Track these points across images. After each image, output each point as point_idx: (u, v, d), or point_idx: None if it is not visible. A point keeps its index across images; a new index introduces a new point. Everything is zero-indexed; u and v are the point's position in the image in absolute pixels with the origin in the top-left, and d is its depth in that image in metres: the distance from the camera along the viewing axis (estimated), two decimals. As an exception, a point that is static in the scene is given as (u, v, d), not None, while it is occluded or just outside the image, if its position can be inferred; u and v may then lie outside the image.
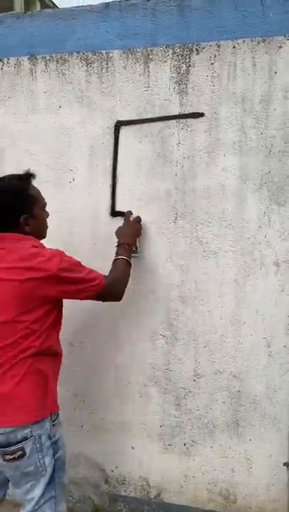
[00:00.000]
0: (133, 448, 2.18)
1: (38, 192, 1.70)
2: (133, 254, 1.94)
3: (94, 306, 2.05)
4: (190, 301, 2.02)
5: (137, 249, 2.00)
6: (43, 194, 2.06)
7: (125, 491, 2.22)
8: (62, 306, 1.69)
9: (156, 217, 2.02)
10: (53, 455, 1.58)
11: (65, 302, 1.69)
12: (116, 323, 2.14)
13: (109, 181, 2.06)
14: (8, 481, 1.64)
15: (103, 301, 1.73)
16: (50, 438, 1.57)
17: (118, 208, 2.06)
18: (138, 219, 2.01)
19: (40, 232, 1.71)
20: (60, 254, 1.58)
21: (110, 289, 1.69)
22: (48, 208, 1.74)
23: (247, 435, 2.03)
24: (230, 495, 2.08)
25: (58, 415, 1.65)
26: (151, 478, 2.18)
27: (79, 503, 2.30)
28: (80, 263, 1.64)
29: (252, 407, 2.01)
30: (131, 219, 2.00)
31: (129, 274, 1.82)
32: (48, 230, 1.76)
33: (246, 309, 1.97)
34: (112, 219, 2.07)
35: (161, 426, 2.13)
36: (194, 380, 2.06)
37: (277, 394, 1.97)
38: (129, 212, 2.01)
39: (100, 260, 2.07)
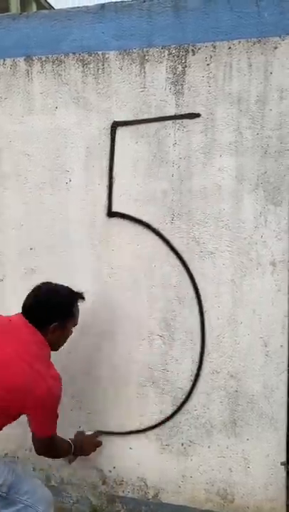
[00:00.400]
0: (131, 448, 2.18)
1: (78, 311, 1.86)
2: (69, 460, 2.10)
3: (92, 306, 2.06)
4: (187, 301, 2.03)
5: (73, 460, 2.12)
6: (40, 195, 2.07)
7: (123, 491, 2.22)
8: None
9: (153, 218, 2.02)
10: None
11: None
12: (112, 324, 2.14)
13: (105, 182, 2.06)
14: None
15: (35, 447, 1.80)
16: None
17: (115, 208, 2.06)
18: (99, 444, 2.17)
19: (58, 345, 1.83)
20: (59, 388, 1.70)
21: (45, 445, 1.79)
22: (46, 211, 1.75)
23: (244, 435, 2.03)
24: (228, 494, 2.09)
25: None
26: (149, 479, 2.18)
27: (77, 503, 2.30)
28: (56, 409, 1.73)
29: (249, 406, 2.01)
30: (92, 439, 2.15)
31: (58, 456, 1.96)
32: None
33: (243, 309, 1.98)
34: (109, 219, 2.07)
35: (158, 426, 2.13)
36: (191, 380, 2.06)
37: (274, 393, 1.97)
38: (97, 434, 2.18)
39: (96, 261, 2.09)
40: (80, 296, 1.85)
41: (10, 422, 1.72)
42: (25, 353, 1.63)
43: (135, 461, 2.18)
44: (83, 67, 2.03)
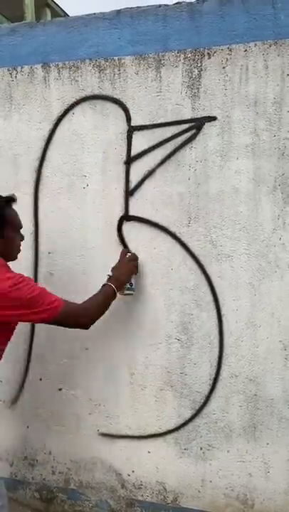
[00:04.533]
0: (149, 452, 2.18)
1: (15, 215, 1.78)
2: (128, 292, 1.98)
3: (109, 309, 2.06)
4: (205, 304, 2.02)
5: (132, 285, 2.00)
6: (57, 200, 2.08)
7: (142, 495, 2.22)
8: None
9: (170, 221, 2.03)
10: None
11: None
12: (130, 327, 2.14)
13: (122, 186, 2.07)
14: None
15: (63, 326, 1.73)
16: None
17: (131, 212, 2.07)
18: (133, 257, 2.03)
19: (9, 252, 1.77)
20: (17, 278, 1.61)
21: (68, 316, 1.70)
22: (63, 216, 1.75)
23: (264, 439, 2.01)
24: (248, 500, 2.07)
25: None
26: (168, 483, 2.17)
27: (95, 507, 2.30)
28: (39, 290, 1.65)
29: (269, 410, 2.00)
30: (127, 256, 2.02)
31: (108, 306, 1.84)
32: (18, 253, 1.83)
33: (261, 312, 1.96)
34: (126, 223, 2.08)
35: (177, 430, 2.12)
36: (210, 384, 2.05)
37: (294, 397, 1.95)
38: (125, 251, 2.03)
39: (113, 263, 2.09)
40: (8, 199, 1.75)
41: (8, 338, 1.73)
42: None
43: (154, 465, 2.18)
44: (99, 72, 2.05)
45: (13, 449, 2.34)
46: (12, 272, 1.69)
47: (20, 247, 1.84)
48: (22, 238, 1.84)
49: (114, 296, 1.87)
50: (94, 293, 1.84)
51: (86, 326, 1.79)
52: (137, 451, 2.20)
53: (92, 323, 1.80)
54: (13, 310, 1.60)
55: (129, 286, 1.98)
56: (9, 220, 1.74)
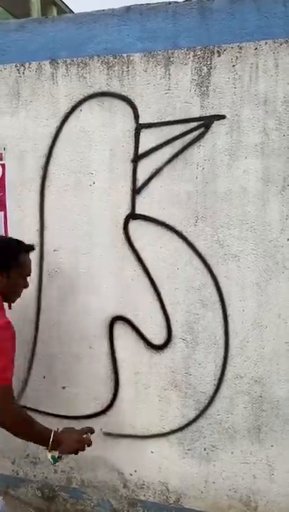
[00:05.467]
0: (152, 452, 2.16)
1: (27, 261, 1.83)
2: (51, 460, 1.67)
3: (115, 306, 2.05)
4: (210, 304, 2.01)
5: (60, 459, 1.69)
6: (64, 198, 2.07)
7: (144, 495, 2.21)
8: None
9: (177, 220, 2.01)
10: None
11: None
12: (135, 326, 2.13)
13: (129, 184, 2.06)
14: None
15: None
16: None
17: (138, 210, 2.06)
18: (88, 441, 1.74)
19: (9, 294, 1.78)
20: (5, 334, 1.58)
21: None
22: (70, 213, 1.74)
23: (268, 441, 2.00)
24: (252, 501, 2.05)
25: None
26: (171, 483, 2.16)
27: (97, 506, 2.29)
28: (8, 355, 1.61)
29: (274, 412, 1.98)
30: (84, 436, 1.75)
31: (31, 440, 1.67)
32: (18, 297, 1.84)
33: (268, 313, 1.95)
34: (132, 221, 2.07)
35: (180, 430, 2.11)
36: (215, 385, 2.04)
37: (299, 399, 1.94)
38: (86, 430, 1.79)
39: (119, 263, 2.08)
40: (27, 246, 1.83)
41: None
42: None
43: (157, 465, 2.17)
44: (108, 69, 2.03)
45: (15, 446, 2.33)
46: (4, 318, 1.64)
47: (21, 294, 1.86)
48: (26, 286, 1.86)
49: (42, 444, 1.66)
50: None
51: (2, 425, 1.58)
52: (139, 450, 2.18)
53: (5, 427, 1.58)
54: None
55: (57, 458, 1.68)
56: (21, 265, 1.79)
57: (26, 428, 1.63)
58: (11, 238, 1.88)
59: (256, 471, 2.03)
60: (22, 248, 1.82)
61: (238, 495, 2.07)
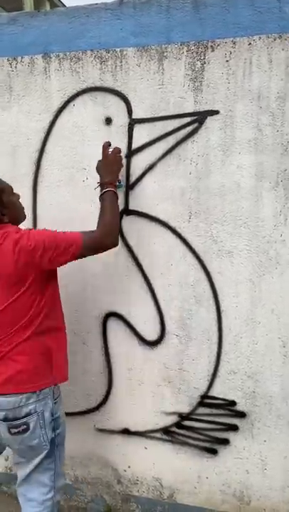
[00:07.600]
0: (146, 448, 2.17)
1: (4, 183, 1.76)
2: (119, 190, 1.91)
3: (111, 302, 2.04)
4: (204, 300, 2.01)
5: (120, 182, 1.95)
6: (57, 193, 2.05)
7: (138, 491, 2.21)
8: (57, 284, 1.80)
9: (170, 216, 2.01)
10: (54, 430, 1.70)
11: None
12: (128, 322, 2.12)
13: (122, 180, 2.04)
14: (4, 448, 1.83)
15: (93, 255, 1.77)
16: (52, 415, 1.69)
17: (132, 206, 2.05)
18: (117, 150, 1.94)
19: (16, 216, 1.79)
20: (28, 232, 1.65)
21: (92, 244, 1.72)
22: (63, 209, 1.72)
23: (261, 436, 2.01)
24: (245, 496, 2.06)
25: (60, 394, 1.76)
26: (164, 479, 2.17)
27: (91, 502, 2.29)
28: (51, 232, 1.69)
29: (267, 407, 1.99)
30: (110, 151, 1.92)
31: (118, 212, 1.85)
32: (23, 210, 1.85)
33: (261, 309, 1.95)
34: (126, 217, 2.06)
35: (174, 426, 2.11)
36: (208, 380, 2.04)
37: (292, 395, 1.95)
38: (107, 144, 1.93)
39: (112, 259, 2.07)
40: None
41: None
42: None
43: (150, 460, 2.17)
44: (101, 64, 2.02)
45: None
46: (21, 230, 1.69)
47: (22, 205, 1.84)
48: (18, 198, 1.83)
49: (117, 199, 1.83)
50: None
51: (114, 244, 1.78)
52: (133, 446, 2.18)
53: (117, 238, 1.80)
54: (41, 258, 1.61)
55: (118, 183, 1.90)
56: (4, 189, 1.74)
57: (116, 222, 1.81)
58: None
59: (249, 466, 2.04)
60: None
61: (231, 490, 2.08)
